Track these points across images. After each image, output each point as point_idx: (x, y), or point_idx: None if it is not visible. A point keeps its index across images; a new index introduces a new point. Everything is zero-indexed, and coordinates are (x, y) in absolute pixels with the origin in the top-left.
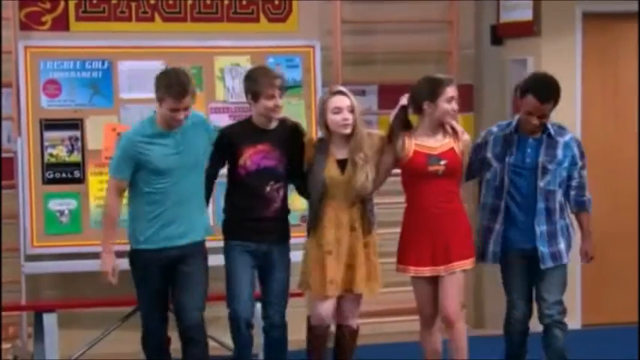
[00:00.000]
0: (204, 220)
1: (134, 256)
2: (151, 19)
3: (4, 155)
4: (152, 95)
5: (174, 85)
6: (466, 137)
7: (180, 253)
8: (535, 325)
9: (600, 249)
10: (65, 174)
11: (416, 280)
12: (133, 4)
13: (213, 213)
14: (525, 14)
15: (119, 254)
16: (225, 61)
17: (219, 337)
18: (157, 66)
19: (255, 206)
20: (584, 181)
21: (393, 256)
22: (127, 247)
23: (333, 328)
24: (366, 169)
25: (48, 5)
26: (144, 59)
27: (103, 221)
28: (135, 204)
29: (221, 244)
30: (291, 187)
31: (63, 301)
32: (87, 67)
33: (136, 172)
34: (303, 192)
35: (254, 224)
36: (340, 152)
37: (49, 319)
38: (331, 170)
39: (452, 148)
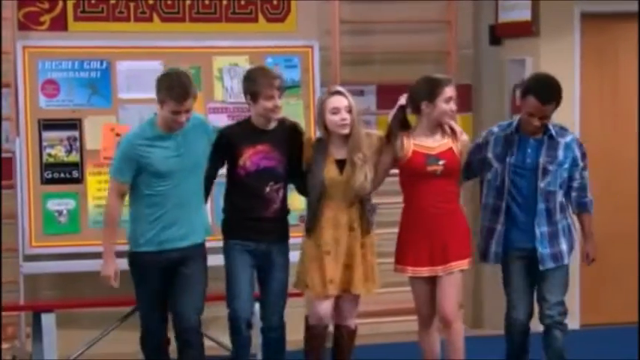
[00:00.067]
0: (204, 221)
1: (134, 258)
2: (150, 20)
3: (2, 155)
4: (151, 95)
5: (175, 88)
6: (464, 137)
7: (181, 255)
8: (535, 325)
9: (600, 249)
10: (64, 174)
11: (414, 280)
12: (132, 5)
13: (212, 213)
14: (524, 14)
15: (118, 254)
16: (223, 61)
17: (218, 337)
18: (156, 66)
19: (254, 207)
20: (585, 182)
21: (391, 256)
22: (127, 248)
23: (331, 329)
24: (365, 169)
25: (46, 5)
26: (142, 59)
27: (104, 221)
28: (135, 206)
29: (220, 244)
30: (290, 187)
31: (61, 301)
32: (85, 67)
33: (137, 175)
34: (303, 191)
35: (253, 224)
36: (339, 152)
37: (48, 319)
38: (330, 170)
39: (450, 148)
